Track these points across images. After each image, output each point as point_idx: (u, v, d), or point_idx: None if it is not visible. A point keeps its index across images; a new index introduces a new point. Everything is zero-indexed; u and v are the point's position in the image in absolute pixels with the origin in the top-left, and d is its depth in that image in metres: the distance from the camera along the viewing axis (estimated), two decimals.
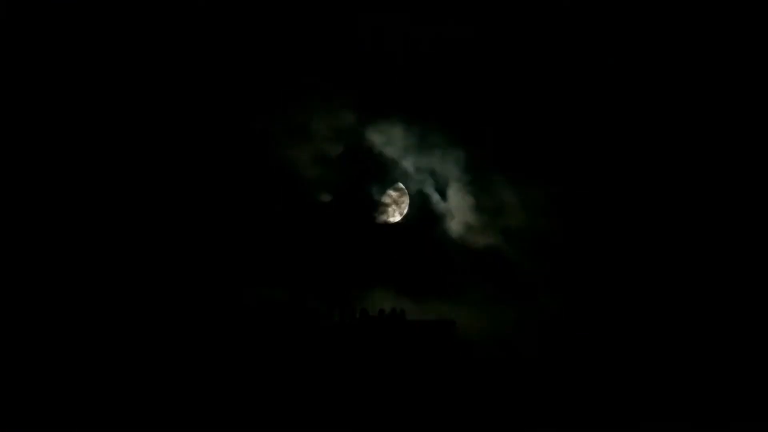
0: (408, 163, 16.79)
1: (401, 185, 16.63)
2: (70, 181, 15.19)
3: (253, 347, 14.95)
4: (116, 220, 15.07)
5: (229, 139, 15.77)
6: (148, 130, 15.65)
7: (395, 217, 16.65)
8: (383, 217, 16.58)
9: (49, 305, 14.21)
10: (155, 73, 15.77)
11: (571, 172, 16.78)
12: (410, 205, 16.74)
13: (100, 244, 14.85)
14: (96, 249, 14.80)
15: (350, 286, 16.21)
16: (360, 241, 16.47)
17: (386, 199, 16.55)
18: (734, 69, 16.37)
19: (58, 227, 14.77)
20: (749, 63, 16.31)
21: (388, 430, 14.99)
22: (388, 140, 16.72)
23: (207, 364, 14.55)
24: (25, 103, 15.50)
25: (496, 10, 16.57)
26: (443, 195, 16.85)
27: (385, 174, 16.78)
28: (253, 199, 15.81)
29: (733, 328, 16.45)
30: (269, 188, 15.92)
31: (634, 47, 16.45)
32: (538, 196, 16.80)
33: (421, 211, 16.94)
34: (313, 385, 15.03)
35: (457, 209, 16.82)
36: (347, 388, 15.19)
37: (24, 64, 15.42)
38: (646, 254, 16.56)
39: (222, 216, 15.67)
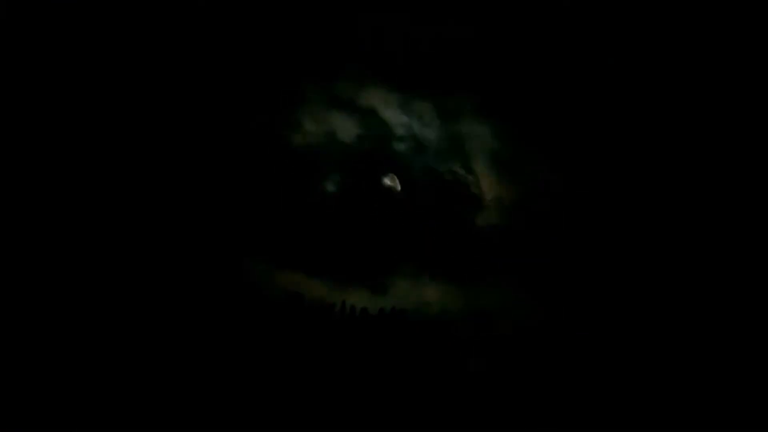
0: (432, 146, 16.79)
1: (392, 175, 16.63)
2: (76, 177, 15.50)
3: (250, 344, 15.09)
4: (122, 213, 15.33)
5: (238, 133, 15.98)
6: (159, 123, 15.91)
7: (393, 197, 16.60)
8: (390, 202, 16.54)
9: (46, 298, 14.47)
10: (169, 69, 16.03)
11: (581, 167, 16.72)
12: (437, 188, 16.65)
13: (104, 238, 15.12)
14: (99, 242, 15.06)
15: (372, 273, 16.24)
16: (376, 226, 16.50)
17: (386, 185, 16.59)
18: (736, 67, 16.23)
19: (61, 222, 15.06)
20: (750, 63, 16.16)
21: (387, 429, 15.09)
22: (409, 121, 16.79)
23: (204, 359, 14.72)
24: (26, 103, 15.75)
25: (497, 10, 16.55)
26: (468, 178, 16.74)
27: (407, 157, 16.77)
28: (264, 190, 15.98)
29: (735, 329, 16.37)
30: (279, 179, 16.09)
31: (640, 45, 16.37)
32: (557, 184, 16.68)
33: (440, 194, 16.86)
34: (311, 383, 15.14)
35: (482, 194, 16.80)
36: (346, 387, 15.29)
37: (24, 64, 15.66)
38: (658, 257, 16.49)
39: (230, 207, 15.86)
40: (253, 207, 15.85)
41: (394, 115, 16.83)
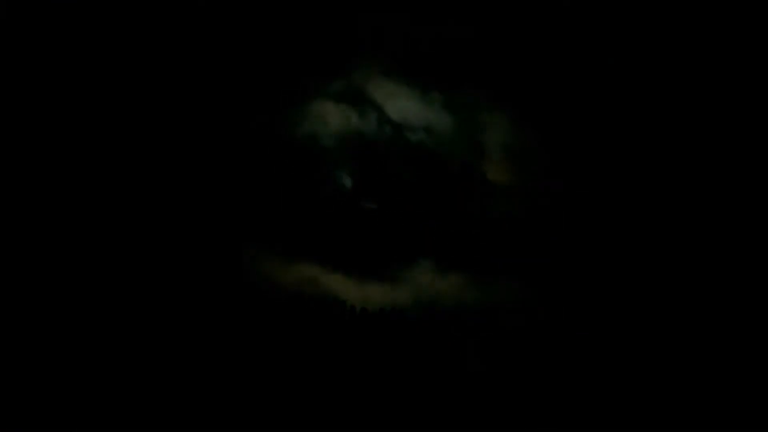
0: (445, 137, 16.74)
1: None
2: (76, 172, 15.18)
3: (248, 343, 14.70)
4: (124, 212, 14.96)
5: (245, 129, 15.81)
6: (167, 121, 15.68)
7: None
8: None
9: (45, 296, 13.92)
10: (179, 69, 15.87)
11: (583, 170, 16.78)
12: (449, 180, 16.51)
13: (106, 236, 14.69)
14: (100, 241, 14.62)
15: (386, 266, 16.01)
16: (389, 218, 16.31)
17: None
18: (736, 68, 16.56)
19: (58, 215, 14.67)
20: (750, 63, 16.51)
21: (386, 429, 14.82)
22: (421, 113, 16.77)
23: (202, 357, 14.27)
24: (25, 103, 15.39)
25: (498, 9, 16.70)
26: (481, 169, 16.65)
27: (419, 149, 16.66)
28: (273, 184, 15.79)
29: (735, 329, 16.51)
30: (288, 172, 15.91)
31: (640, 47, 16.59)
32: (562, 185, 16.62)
33: (452, 185, 16.69)
34: (310, 383, 14.80)
35: (496, 186, 16.73)
36: (345, 387, 14.99)
37: (24, 64, 15.33)
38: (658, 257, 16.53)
39: (237, 201, 15.62)
40: (261, 201, 15.61)
41: (405, 107, 16.80)
